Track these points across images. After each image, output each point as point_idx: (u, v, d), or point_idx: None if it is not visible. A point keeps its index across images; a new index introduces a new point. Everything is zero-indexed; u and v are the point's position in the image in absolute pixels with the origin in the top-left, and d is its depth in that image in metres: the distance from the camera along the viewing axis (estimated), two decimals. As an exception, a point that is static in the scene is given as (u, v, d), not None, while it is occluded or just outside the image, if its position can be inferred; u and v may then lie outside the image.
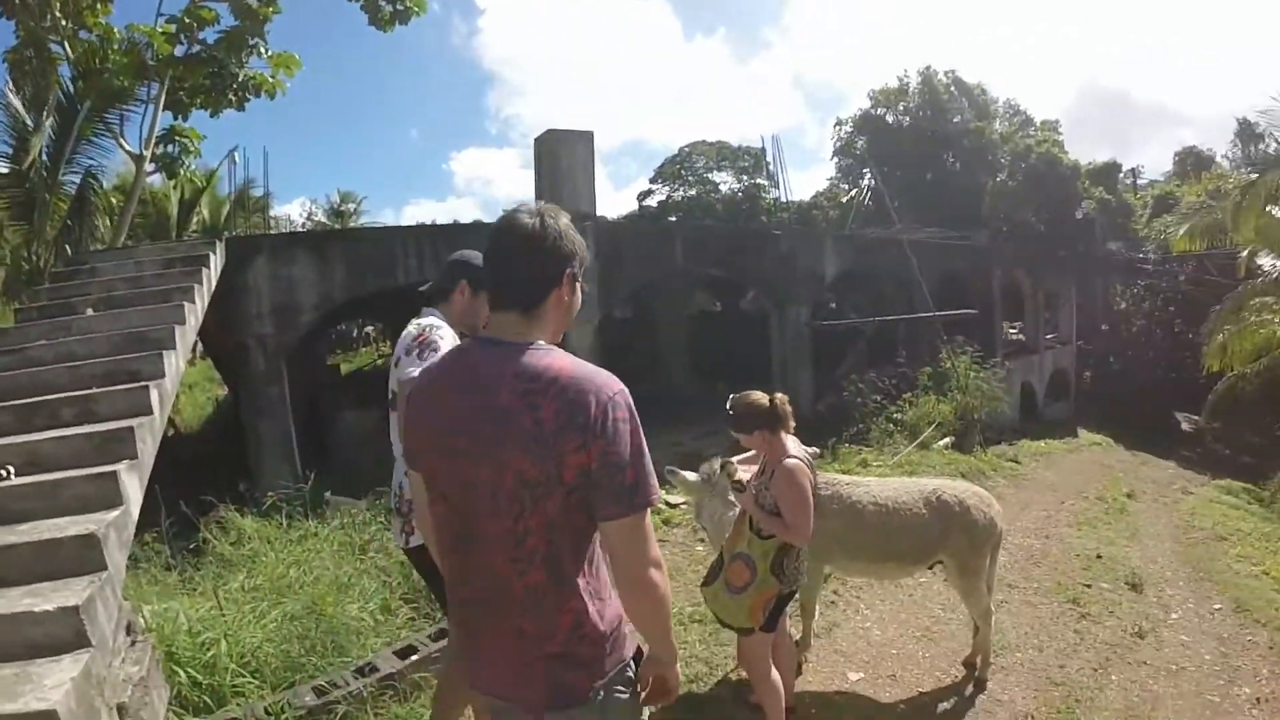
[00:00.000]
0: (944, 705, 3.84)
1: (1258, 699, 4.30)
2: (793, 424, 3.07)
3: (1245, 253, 14.55)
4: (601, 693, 1.57)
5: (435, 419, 1.60)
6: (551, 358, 1.52)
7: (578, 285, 1.64)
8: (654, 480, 1.53)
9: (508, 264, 1.60)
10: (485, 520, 1.52)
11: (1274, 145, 14.47)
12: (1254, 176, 13.75)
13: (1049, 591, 5.69)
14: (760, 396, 3.05)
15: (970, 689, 4.00)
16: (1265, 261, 14.22)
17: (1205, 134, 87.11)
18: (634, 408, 1.52)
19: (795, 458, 3.01)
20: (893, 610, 5.09)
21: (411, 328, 2.63)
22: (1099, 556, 6.77)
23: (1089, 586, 5.90)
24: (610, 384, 1.50)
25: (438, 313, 2.73)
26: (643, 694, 1.69)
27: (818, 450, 3.20)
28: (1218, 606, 5.85)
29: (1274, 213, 13.45)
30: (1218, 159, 29.99)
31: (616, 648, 1.61)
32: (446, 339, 2.57)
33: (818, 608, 4.32)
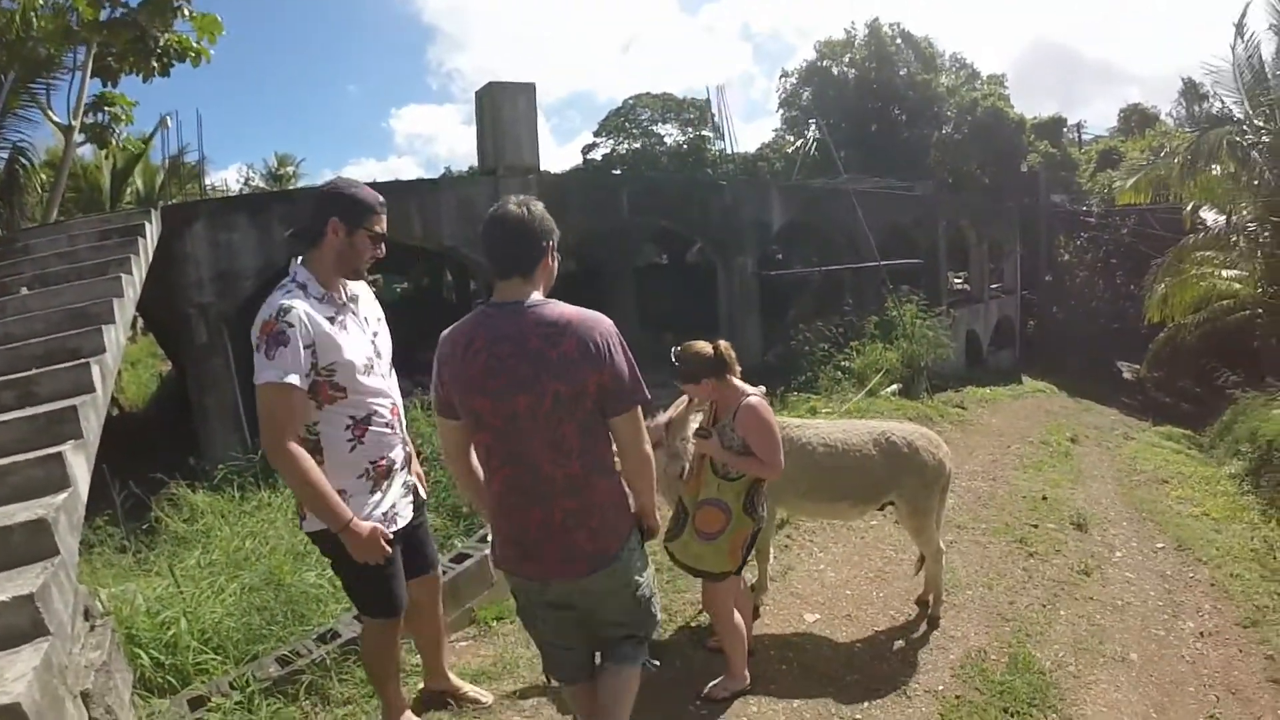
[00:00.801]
0: (899, 643, 3.98)
1: (1201, 632, 4.54)
2: (738, 369, 3.12)
3: (1189, 208, 15.01)
4: (625, 548, 2.19)
5: (470, 370, 2.05)
6: (559, 308, 2.05)
7: (553, 253, 2.17)
8: (643, 383, 2.11)
9: (508, 243, 2.10)
10: (529, 436, 2.04)
11: (1218, 105, 14.80)
12: (1196, 134, 14.15)
13: (997, 531, 5.90)
14: (705, 345, 3.08)
15: (924, 626, 4.15)
16: (1208, 216, 14.72)
17: (1151, 92, 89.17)
18: (620, 334, 2.09)
19: (754, 394, 3.08)
20: (846, 553, 5.23)
21: (261, 310, 2.31)
22: (1045, 498, 7.04)
23: (1036, 526, 6.14)
24: (604, 322, 2.07)
25: (305, 272, 2.40)
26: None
27: (764, 388, 3.25)
28: (1160, 545, 6.14)
29: (1215, 170, 13.88)
30: (1162, 117, 30.70)
31: (628, 512, 2.22)
32: (297, 323, 2.24)
33: (772, 551, 4.41)
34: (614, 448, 2.19)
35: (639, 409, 2.13)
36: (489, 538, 2.42)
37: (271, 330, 2.23)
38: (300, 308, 2.28)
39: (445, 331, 2.20)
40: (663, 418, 3.39)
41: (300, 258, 2.45)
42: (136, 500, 5.20)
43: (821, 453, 3.84)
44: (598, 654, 2.41)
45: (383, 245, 2.50)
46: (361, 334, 2.48)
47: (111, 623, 3.14)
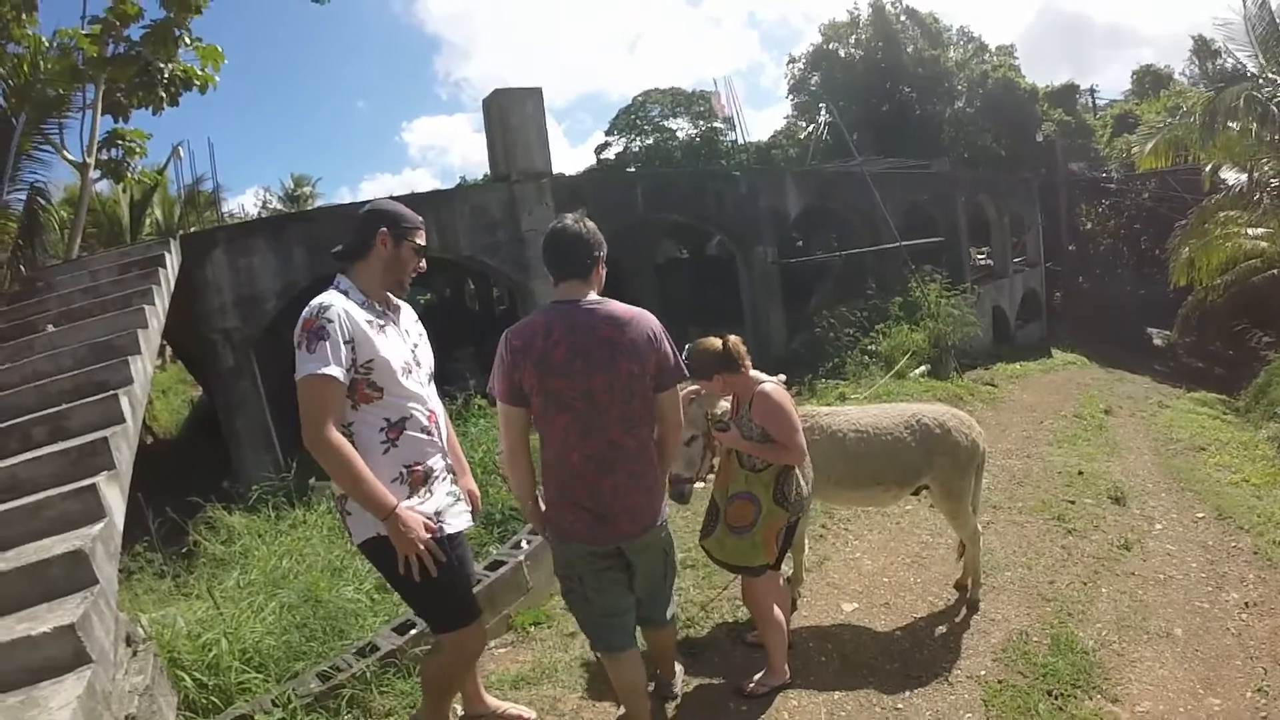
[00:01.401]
0: (940, 628, 3.93)
1: (1246, 603, 4.41)
2: (749, 361, 3.11)
3: (1209, 168, 14.69)
4: (664, 510, 2.65)
5: (553, 356, 2.41)
6: (619, 305, 2.50)
7: (603, 262, 2.58)
8: (683, 364, 2.59)
9: (568, 251, 2.53)
10: (604, 410, 2.43)
11: (1231, 61, 14.46)
12: (1213, 93, 13.84)
13: (1034, 510, 5.82)
14: (714, 341, 3.09)
15: (964, 610, 4.10)
16: (1229, 176, 14.37)
17: (1164, 52, 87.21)
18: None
19: (769, 382, 3.07)
20: (882, 540, 5.18)
21: (304, 312, 2.34)
22: (1080, 473, 6.92)
23: (1073, 503, 6.04)
24: (652, 317, 2.53)
25: (347, 280, 2.45)
26: None
27: (784, 375, 3.23)
28: (1200, 515, 5.99)
29: (1234, 127, 13.56)
30: (1176, 76, 30.09)
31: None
32: (336, 319, 2.30)
33: (807, 542, 4.38)
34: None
35: (677, 385, 2.58)
36: (540, 520, 2.70)
37: (311, 326, 2.28)
38: (340, 304, 2.33)
39: (511, 328, 2.54)
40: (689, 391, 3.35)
41: (343, 275, 2.50)
42: (173, 525, 5.27)
43: (853, 439, 3.82)
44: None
45: (424, 260, 2.58)
46: (401, 342, 2.50)
47: (153, 647, 3.19)
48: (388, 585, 4.02)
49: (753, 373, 3.10)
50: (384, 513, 2.29)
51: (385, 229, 2.46)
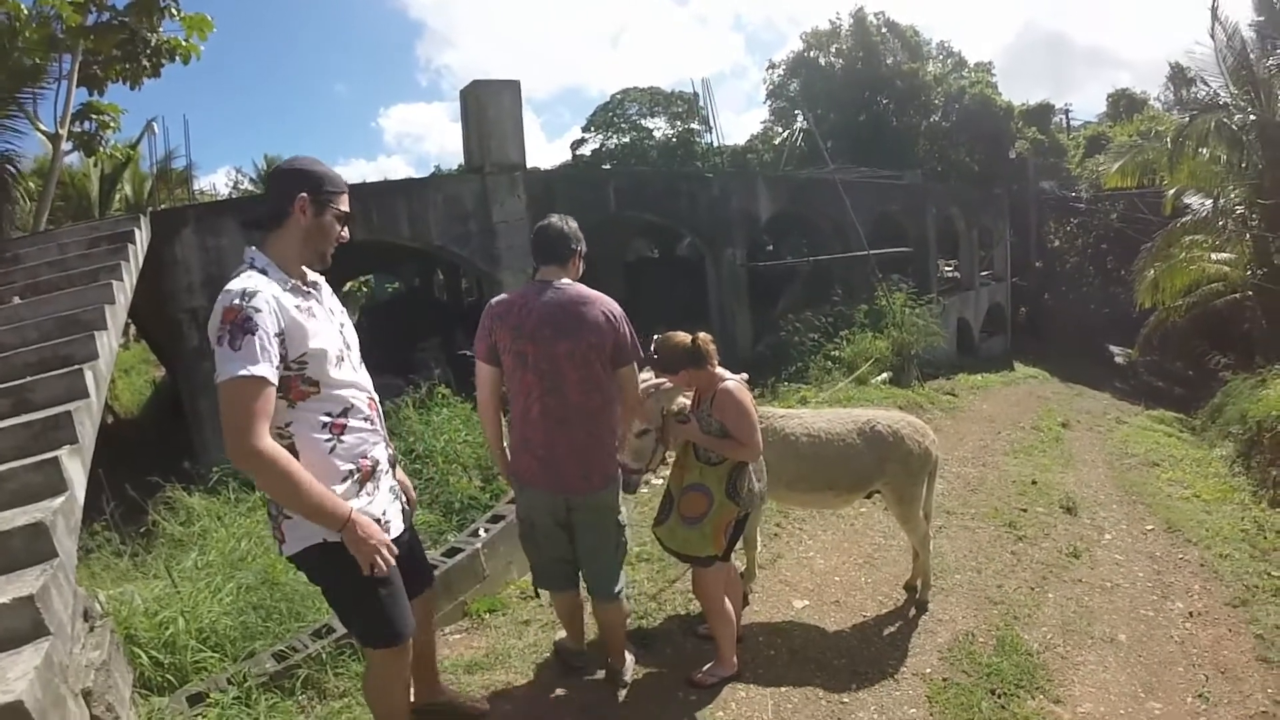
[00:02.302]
0: (888, 628, 4.04)
1: (1190, 613, 4.58)
2: (716, 359, 3.18)
3: (1172, 192, 15.10)
4: (616, 478, 2.96)
5: (525, 322, 2.77)
6: (586, 290, 2.87)
7: (581, 257, 2.96)
8: (639, 346, 2.90)
9: (551, 242, 2.90)
10: (567, 374, 2.76)
11: (1205, 90, 14.88)
12: (1186, 119, 14.22)
13: (986, 516, 5.97)
14: (683, 337, 3.15)
15: (912, 611, 4.21)
16: (1193, 200, 14.77)
17: (1143, 78, 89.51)
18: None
19: (732, 379, 3.15)
20: (835, 540, 5.29)
21: (220, 299, 2.02)
22: (1034, 482, 7.09)
23: (1025, 511, 6.19)
24: (614, 302, 2.88)
25: (263, 256, 2.16)
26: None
27: (747, 375, 3.32)
28: (1150, 527, 6.18)
29: (1204, 154, 13.94)
30: (1151, 102, 30.76)
31: (615, 451, 2.98)
32: (265, 307, 1.99)
33: (760, 539, 4.45)
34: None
35: (635, 364, 2.90)
36: (508, 457, 3.03)
37: (235, 317, 1.95)
38: (266, 290, 2.02)
39: (495, 299, 2.93)
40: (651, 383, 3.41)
41: (254, 246, 2.20)
42: (133, 504, 5.23)
43: (806, 443, 3.87)
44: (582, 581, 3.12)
45: (347, 229, 2.30)
46: (329, 323, 2.23)
47: (111, 623, 3.20)
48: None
49: (717, 370, 3.18)
50: (338, 523, 2.06)
51: (305, 194, 2.15)
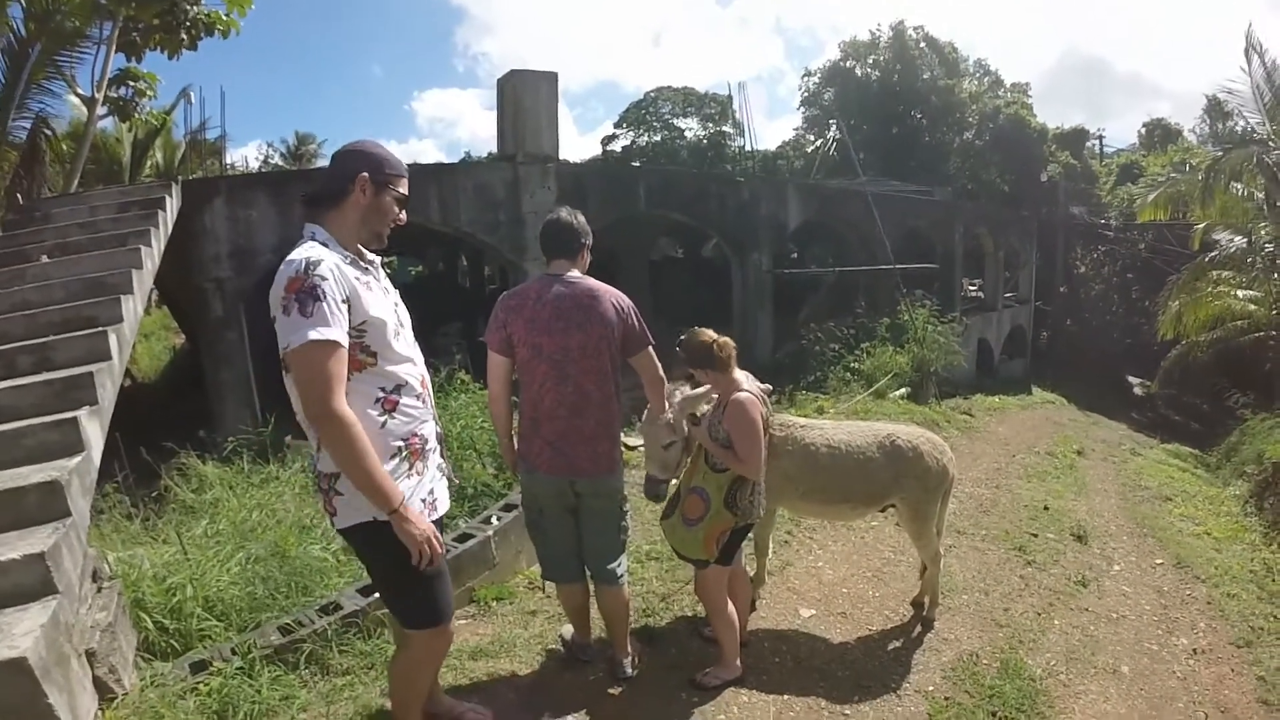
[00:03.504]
0: (893, 643, 4.00)
1: (1195, 650, 4.52)
2: (735, 365, 3.16)
3: (1200, 226, 14.91)
4: (621, 468, 3.04)
5: (539, 314, 2.87)
6: (597, 283, 2.95)
7: (588, 249, 3.06)
8: (649, 332, 2.98)
9: (560, 235, 2.99)
10: (577, 363, 2.86)
11: (1242, 124, 14.70)
12: (1220, 153, 14.04)
13: (997, 539, 5.91)
14: (706, 336, 3.13)
15: (918, 628, 4.17)
16: (1222, 236, 14.58)
17: (1181, 108, 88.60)
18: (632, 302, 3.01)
19: (746, 391, 3.11)
20: (845, 551, 5.25)
21: (282, 269, 2.05)
22: (1046, 508, 7.03)
23: (1035, 536, 6.13)
24: (622, 294, 2.98)
25: (323, 231, 2.19)
26: None
27: (770, 386, 3.29)
28: (1159, 561, 6.11)
29: (1237, 189, 13.75)
30: (1185, 133, 30.45)
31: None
32: (330, 275, 2.04)
33: (771, 546, 4.42)
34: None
35: (650, 348, 2.99)
36: (515, 447, 3.10)
37: (302, 285, 1.99)
38: (330, 259, 2.07)
39: (506, 291, 3.05)
40: (679, 395, 3.40)
41: (313, 224, 2.23)
42: (145, 468, 5.27)
43: (825, 454, 3.83)
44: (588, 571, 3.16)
45: (404, 212, 2.35)
46: (384, 298, 2.26)
47: (119, 586, 3.22)
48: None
49: (737, 374, 3.15)
50: (390, 505, 2.09)
51: (366, 174, 2.20)
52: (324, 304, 1.99)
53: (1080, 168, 28.62)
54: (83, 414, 3.37)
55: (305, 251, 2.07)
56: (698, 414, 3.28)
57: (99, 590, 3.14)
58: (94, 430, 3.45)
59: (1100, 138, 32.79)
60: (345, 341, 2.04)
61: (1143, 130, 33.15)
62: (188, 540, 3.87)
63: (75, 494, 3.04)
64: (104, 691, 2.73)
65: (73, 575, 2.82)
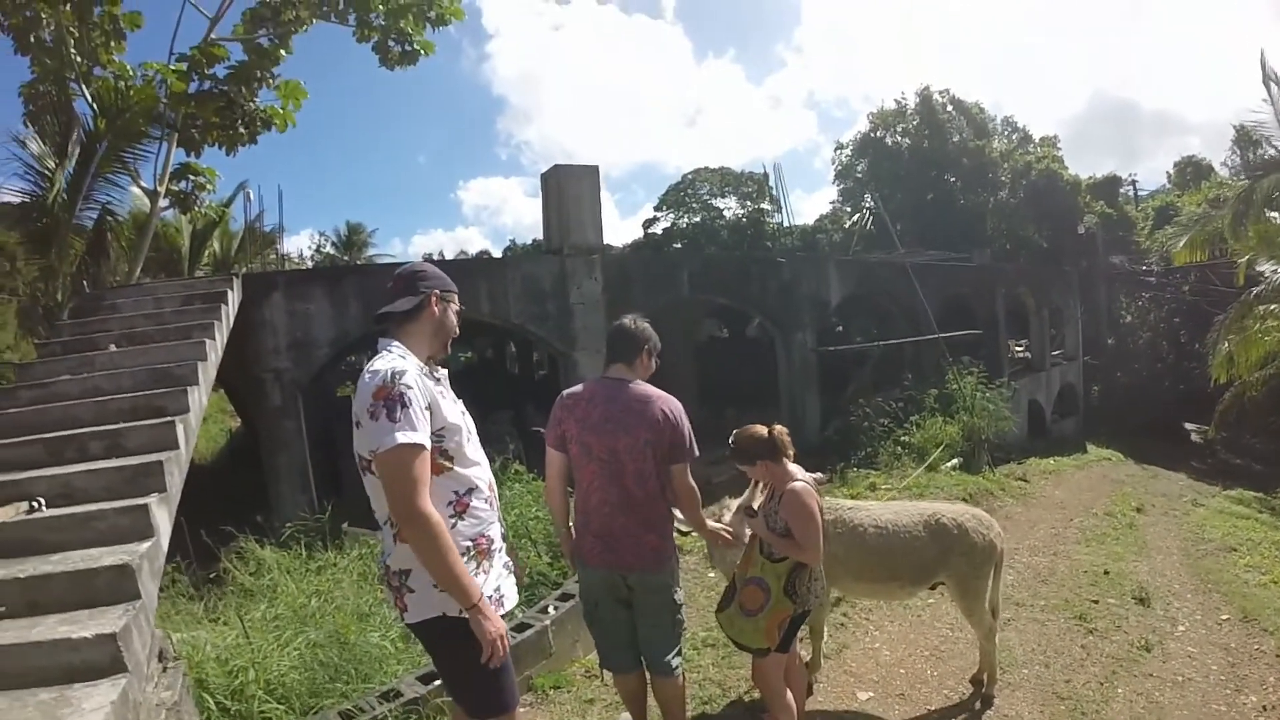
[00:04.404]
0: (952, 721, 3.91)
1: (1264, 706, 4.34)
2: (792, 452, 3.20)
3: (1244, 260, 14.59)
4: (673, 561, 3.09)
5: (590, 415, 2.99)
6: (649, 388, 3.04)
7: (652, 356, 3.15)
8: (695, 445, 3.01)
9: (620, 341, 3.11)
10: (626, 465, 2.95)
11: (1270, 151, 14.45)
12: (1248, 183, 13.83)
13: (1056, 608, 5.74)
14: (760, 428, 3.19)
15: (978, 705, 4.07)
16: (1266, 268, 14.21)
17: (1210, 140, 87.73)
18: (684, 410, 3.03)
19: (801, 481, 3.14)
20: (902, 631, 5.16)
21: (367, 379, 2.20)
22: (1106, 572, 6.82)
23: (1096, 602, 5.95)
24: (675, 401, 3.02)
25: (397, 345, 2.34)
26: None
27: (822, 475, 3.33)
28: (1225, 617, 5.89)
29: (1274, 218, 13.47)
30: (1217, 167, 30.10)
31: (673, 538, 3.12)
32: (415, 385, 2.20)
33: (826, 629, 4.41)
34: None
35: (688, 464, 3.02)
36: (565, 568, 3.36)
37: (389, 394, 2.14)
38: (413, 369, 2.24)
39: (566, 391, 3.17)
40: (735, 504, 3.50)
41: (386, 338, 2.39)
42: (204, 549, 5.42)
43: (872, 534, 3.89)
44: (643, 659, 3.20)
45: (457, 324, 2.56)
46: (454, 406, 2.43)
47: (183, 666, 3.32)
48: (410, 637, 4.10)
49: (791, 466, 3.19)
50: (470, 600, 2.19)
51: (438, 293, 2.43)
52: (410, 410, 2.14)
53: (1116, 215, 28.32)
54: (153, 500, 3.55)
55: (389, 362, 2.22)
56: (754, 506, 3.33)
57: (164, 670, 3.24)
58: (163, 516, 3.61)
59: (1134, 182, 32.59)
60: (429, 445, 2.18)
61: (1172, 170, 32.82)
62: (248, 624, 3.97)
63: (145, 578, 3.18)
64: (170, 772, 2.80)
65: (141, 655, 2.92)
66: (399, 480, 2.12)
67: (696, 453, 3.03)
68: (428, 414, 2.21)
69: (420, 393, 2.20)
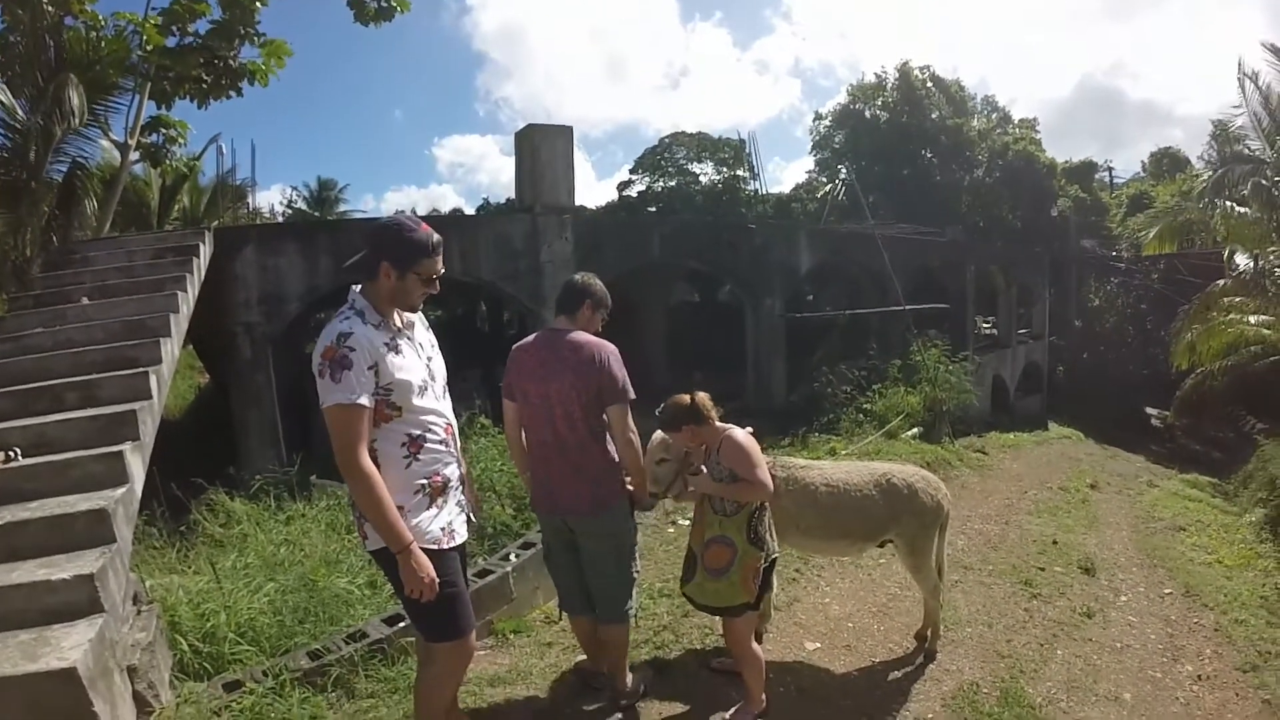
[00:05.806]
0: (895, 674, 4.10)
1: (1199, 676, 4.56)
2: (716, 414, 3.31)
3: (1226, 253, 14.92)
4: (617, 508, 3.19)
5: (529, 363, 3.13)
6: (584, 335, 3.13)
7: (596, 310, 3.24)
8: (630, 389, 3.08)
9: (567, 295, 3.23)
10: (557, 409, 3.06)
11: (1246, 149, 14.78)
12: (1220, 171, 14.16)
13: (1003, 573, 5.97)
14: (684, 397, 3.30)
15: (921, 659, 4.26)
16: (1241, 260, 14.57)
17: (1194, 135, 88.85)
18: (619, 354, 3.11)
19: (735, 428, 3.30)
20: (851, 588, 5.35)
21: (321, 337, 2.41)
22: (1055, 542, 7.07)
23: (1043, 570, 6.18)
24: (607, 345, 3.11)
25: (362, 299, 2.48)
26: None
27: (751, 428, 3.45)
28: (1168, 591, 6.14)
29: (1244, 212, 13.81)
30: (1194, 160, 30.56)
31: (620, 482, 3.19)
32: (358, 347, 2.36)
33: (776, 582, 4.52)
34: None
35: (625, 405, 3.09)
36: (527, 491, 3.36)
37: (334, 355, 2.34)
38: (359, 332, 2.39)
39: (517, 344, 3.29)
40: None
41: (359, 286, 2.52)
42: (176, 502, 5.49)
43: (824, 493, 3.98)
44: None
45: (436, 283, 2.58)
46: (416, 358, 2.57)
47: (157, 609, 3.43)
48: (376, 583, 4.28)
49: (717, 424, 3.31)
50: (398, 547, 2.38)
51: (387, 262, 2.45)
52: (351, 372, 2.34)
53: (1090, 200, 28.77)
54: (127, 448, 3.62)
55: (340, 325, 2.41)
56: (692, 467, 3.43)
57: (139, 612, 3.36)
58: (136, 464, 3.69)
59: (1110, 169, 33.01)
60: (369, 404, 2.38)
61: (1151, 159, 33.23)
62: (219, 571, 4.07)
63: (120, 522, 3.27)
64: (142, 705, 2.93)
65: (117, 596, 3.03)
66: (337, 436, 2.34)
67: (631, 394, 3.09)
68: (371, 373, 2.38)
69: (365, 353, 2.37)
